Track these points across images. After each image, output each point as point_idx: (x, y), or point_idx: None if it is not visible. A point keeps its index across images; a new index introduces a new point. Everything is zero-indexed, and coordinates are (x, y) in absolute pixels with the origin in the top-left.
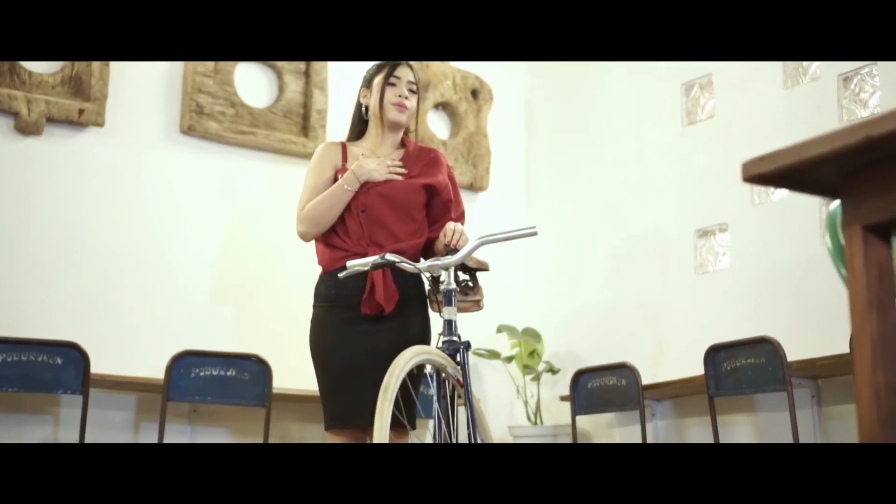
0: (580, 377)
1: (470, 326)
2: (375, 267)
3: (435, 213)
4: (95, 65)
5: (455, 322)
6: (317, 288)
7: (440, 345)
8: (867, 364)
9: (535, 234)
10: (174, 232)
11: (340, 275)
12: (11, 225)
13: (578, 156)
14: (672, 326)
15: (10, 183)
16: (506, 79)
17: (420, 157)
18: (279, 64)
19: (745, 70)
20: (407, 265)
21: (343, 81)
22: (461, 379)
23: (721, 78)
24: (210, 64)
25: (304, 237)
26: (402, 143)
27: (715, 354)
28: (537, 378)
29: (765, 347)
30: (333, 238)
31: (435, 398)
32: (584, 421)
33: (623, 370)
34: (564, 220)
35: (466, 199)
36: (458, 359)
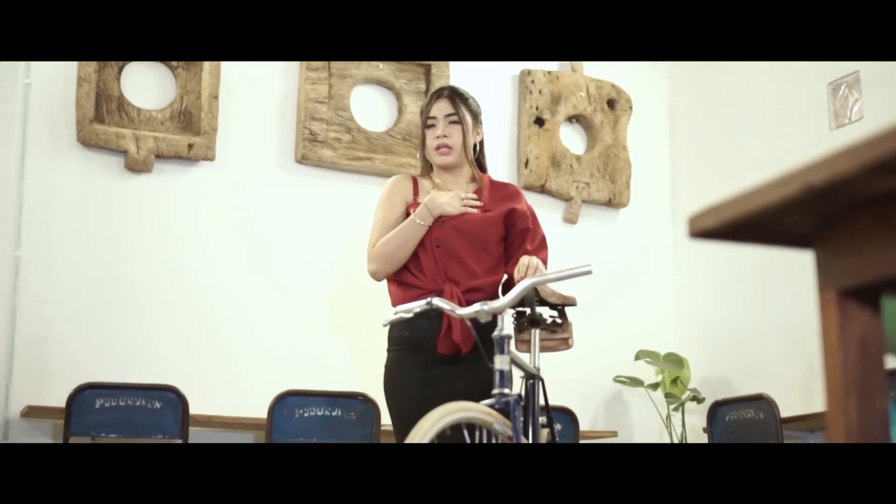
0: (717, 409)
1: (611, 351)
2: (421, 314)
3: (512, 246)
4: (204, 98)
5: (508, 373)
6: (390, 331)
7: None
8: None
9: (590, 272)
10: (290, 265)
11: (383, 323)
12: (122, 265)
13: (724, 164)
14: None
15: (122, 222)
16: (645, 87)
17: (496, 191)
18: (398, 85)
19: (893, 65)
20: (451, 312)
21: None
22: (512, 435)
23: (868, 76)
24: (323, 90)
25: (376, 276)
26: (475, 177)
27: None
28: (680, 407)
29: None
30: (407, 276)
31: None
32: None
33: (760, 402)
34: None
35: (605, 216)
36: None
